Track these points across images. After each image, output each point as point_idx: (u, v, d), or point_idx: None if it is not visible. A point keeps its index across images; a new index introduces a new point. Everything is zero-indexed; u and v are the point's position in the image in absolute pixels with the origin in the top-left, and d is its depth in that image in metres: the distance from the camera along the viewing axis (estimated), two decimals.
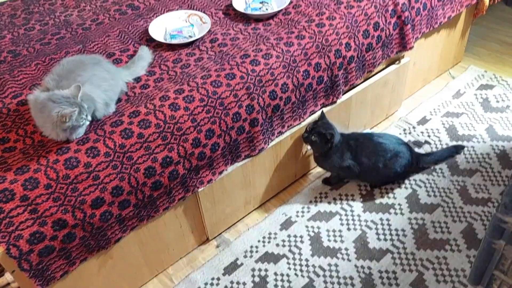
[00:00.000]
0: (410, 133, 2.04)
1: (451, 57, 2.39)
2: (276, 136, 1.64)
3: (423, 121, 2.10)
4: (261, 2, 1.81)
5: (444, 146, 1.95)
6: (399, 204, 1.72)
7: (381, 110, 2.08)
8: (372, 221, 1.68)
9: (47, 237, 1.16)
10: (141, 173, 1.29)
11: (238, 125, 1.46)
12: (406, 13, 1.82)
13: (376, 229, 1.65)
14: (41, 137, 1.28)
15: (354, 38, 1.69)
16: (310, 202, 1.78)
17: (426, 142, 1.98)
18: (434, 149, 1.95)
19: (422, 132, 2.03)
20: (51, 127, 1.19)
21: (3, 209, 1.11)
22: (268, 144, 1.61)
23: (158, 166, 1.31)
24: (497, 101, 2.15)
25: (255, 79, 1.48)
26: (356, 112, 1.92)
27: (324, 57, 1.63)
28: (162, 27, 1.72)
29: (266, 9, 1.77)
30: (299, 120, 1.68)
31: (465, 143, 1.95)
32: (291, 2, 1.80)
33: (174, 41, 1.63)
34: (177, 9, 1.84)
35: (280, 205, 1.79)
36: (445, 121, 2.08)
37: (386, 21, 1.77)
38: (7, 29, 1.83)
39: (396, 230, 1.64)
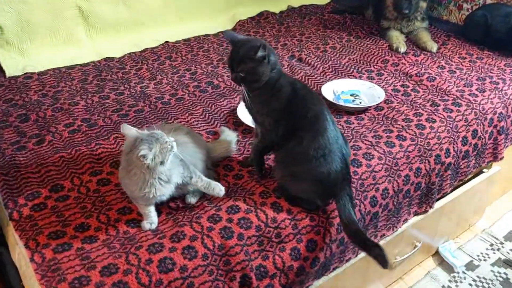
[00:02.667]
0: (498, 249, 1.84)
1: None
2: None
3: (510, 237, 1.90)
4: (352, 95, 1.71)
5: None
6: None
7: (465, 220, 1.90)
8: None
9: None
10: (236, 282, 1.09)
11: (340, 237, 1.28)
12: (502, 123, 1.71)
13: None
14: (127, 227, 1.10)
15: (454, 144, 1.56)
16: None
17: None
18: None
19: (511, 250, 1.83)
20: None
21: None
22: (357, 255, 1.42)
23: (254, 277, 1.11)
24: None
25: (357, 182, 1.33)
26: (443, 222, 1.74)
27: (424, 162, 1.48)
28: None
29: (360, 102, 1.66)
30: (393, 229, 1.49)
31: None
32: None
33: None
34: None
35: None
36: None
37: (483, 129, 1.65)
38: (79, 95, 1.74)
39: None
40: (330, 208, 1.25)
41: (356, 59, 2.03)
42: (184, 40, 2.26)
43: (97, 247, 1.05)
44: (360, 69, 1.94)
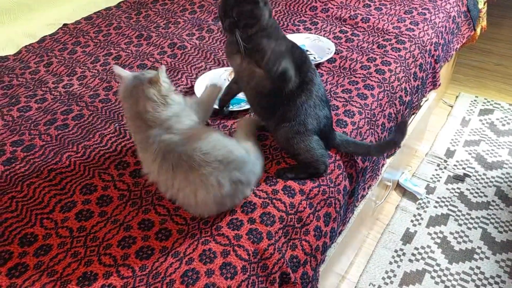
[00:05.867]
0: (445, 167, 2.01)
1: (443, 85, 2.45)
2: (359, 202, 1.46)
3: (450, 153, 2.09)
4: None
5: (482, 176, 1.95)
6: (479, 248, 1.65)
7: (411, 148, 2.03)
8: (464, 272, 1.57)
9: None
10: (276, 284, 1.01)
11: (344, 200, 1.26)
12: (437, 52, 1.80)
13: (473, 280, 1.54)
14: (141, 261, 0.93)
15: (409, 82, 1.61)
16: (390, 263, 1.61)
17: (466, 175, 1.96)
18: (476, 182, 1.93)
19: (455, 165, 2.01)
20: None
21: None
22: (352, 213, 1.42)
23: (291, 272, 1.04)
24: (503, 125, 2.23)
25: None
26: (398, 155, 1.83)
27: (392, 106, 1.51)
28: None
29: (314, 57, 1.60)
30: (376, 178, 1.52)
31: (499, 171, 1.97)
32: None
33: (235, 108, 1.36)
34: (205, 65, 1.58)
35: (361, 274, 1.59)
36: (469, 150, 2.09)
37: (426, 61, 1.72)
38: None
39: (492, 277, 1.55)
40: (334, 175, 1.21)
41: (284, 11, 1.94)
42: (85, 18, 1.93)
43: None
44: (293, 21, 1.86)
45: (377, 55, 1.62)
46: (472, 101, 2.42)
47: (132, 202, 1.06)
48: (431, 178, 1.96)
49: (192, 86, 1.46)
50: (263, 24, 1.04)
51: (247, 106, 1.33)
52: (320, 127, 1.12)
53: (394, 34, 1.72)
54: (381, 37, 1.72)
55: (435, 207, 1.82)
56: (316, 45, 1.65)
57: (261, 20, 1.03)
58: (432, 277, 1.56)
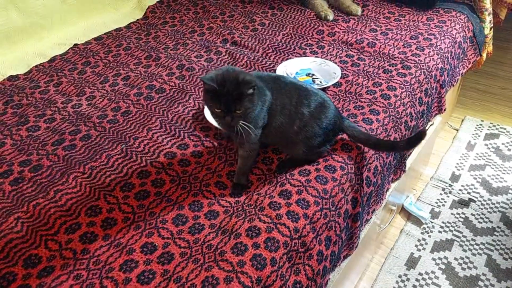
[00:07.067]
0: (450, 192, 2.00)
1: (449, 109, 2.45)
2: (364, 226, 1.46)
3: (455, 177, 2.08)
4: (308, 74, 1.66)
5: (487, 201, 1.94)
6: (484, 274, 1.63)
7: (416, 172, 2.02)
8: None
9: None
10: None
11: (345, 224, 1.26)
12: (443, 77, 1.81)
13: None
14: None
15: (414, 107, 1.61)
16: None
17: (471, 200, 1.95)
18: (481, 207, 1.92)
19: (460, 190, 2.01)
20: None
21: None
22: (359, 238, 1.42)
23: None
24: (509, 149, 2.23)
25: (354, 167, 1.30)
26: (403, 178, 1.82)
27: (398, 131, 1.51)
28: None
29: (320, 81, 1.61)
30: (380, 202, 1.52)
31: (504, 196, 1.96)
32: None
33: None
34: None
35: None
36: (475, 175, 2.09)
37: (431, 86, 1.74)
38: None
39: None
40: (337, 199, 1.21)
41: (291, 34, 1.96)
42: (95, 39, 1.97)
43: None
44: (300, 44, 1.88)
45: (382, 80, 1.63)
46: (477, 125, 2.42)
47: (136, 225, 1.06)
48: (436, 203, 1.96)
49: (199, 108, 1.48)
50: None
51: None
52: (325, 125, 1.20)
53: (400, 59, 1.74)
54: (387, 62, 1.73)
55: (440, 232, 1.81)
56: (322, 69, 1.67)
57: (257, 105, 1.06)
58: None
